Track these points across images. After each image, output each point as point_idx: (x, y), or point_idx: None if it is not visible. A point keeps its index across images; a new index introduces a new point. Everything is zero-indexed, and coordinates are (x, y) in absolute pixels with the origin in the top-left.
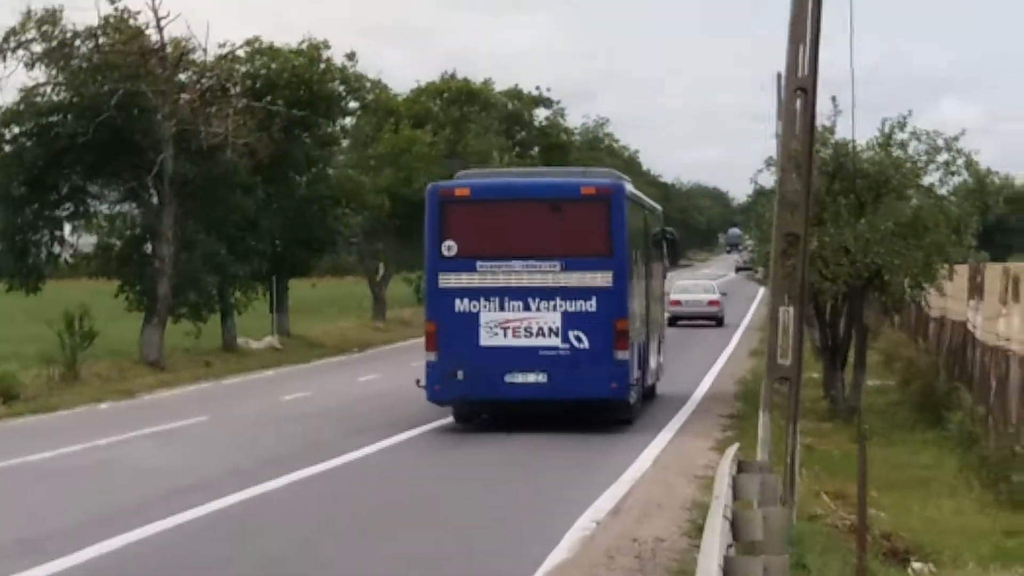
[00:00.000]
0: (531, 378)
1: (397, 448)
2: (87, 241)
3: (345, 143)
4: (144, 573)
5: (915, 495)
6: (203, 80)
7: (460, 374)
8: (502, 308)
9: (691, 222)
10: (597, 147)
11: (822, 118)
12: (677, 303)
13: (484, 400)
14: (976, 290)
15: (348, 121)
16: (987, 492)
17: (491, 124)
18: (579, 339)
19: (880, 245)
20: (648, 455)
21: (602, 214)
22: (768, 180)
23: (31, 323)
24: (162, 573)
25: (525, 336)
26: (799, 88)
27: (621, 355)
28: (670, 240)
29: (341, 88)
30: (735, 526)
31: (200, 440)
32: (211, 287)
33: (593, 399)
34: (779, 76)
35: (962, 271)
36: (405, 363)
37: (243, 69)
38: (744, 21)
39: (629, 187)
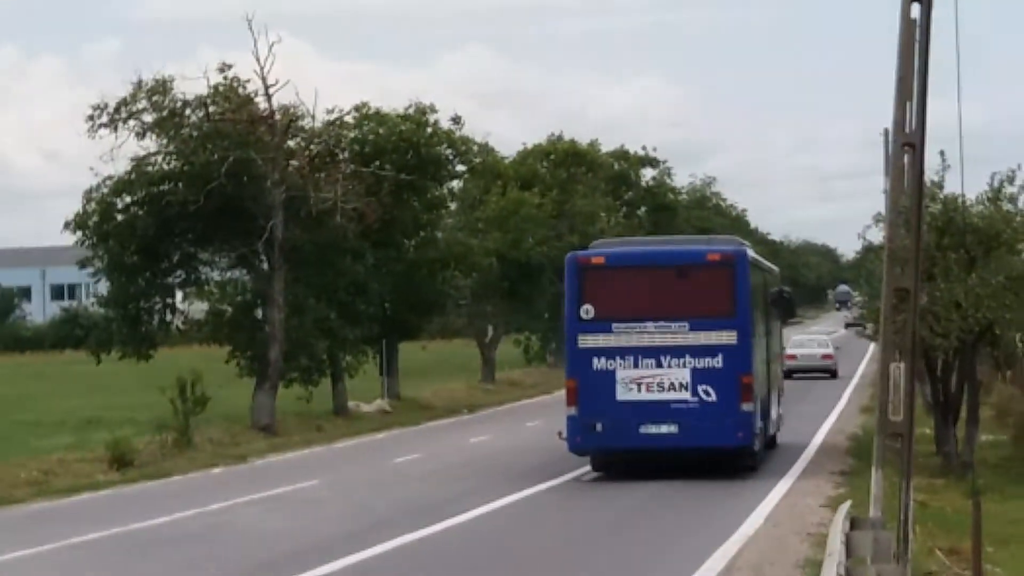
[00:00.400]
0: (664, 429)
1: (510, 507)
2: (198, 308)
3: (453, 206)
4: None
5: None
6: (312, 146)
7: (599, 426)
8: (636, 366)
9: (800, 279)
10: (704, 206)
11: (930, 173)
12: (793, 357)
13: (621, 450)
14: None
15: (456, 184)
16: None
17: (598, 185)
18: (707, 393)
19: (991, 299)
20: (761, 512)
21: (727, 278)
22: (876, 236)
23: (144, 390)
24: None
25: (658, 391)
26: (907, 144)
27: (746, 407)
28: (786, 299)
29: (448, 151)
30: None
31: (311, 504)
32: (321, 351)
33: (721, 448)
34: (887, 132)
35: None
36: (516, 423)
37: (351, 135)
38: (850, 78)
39: (750, 252)
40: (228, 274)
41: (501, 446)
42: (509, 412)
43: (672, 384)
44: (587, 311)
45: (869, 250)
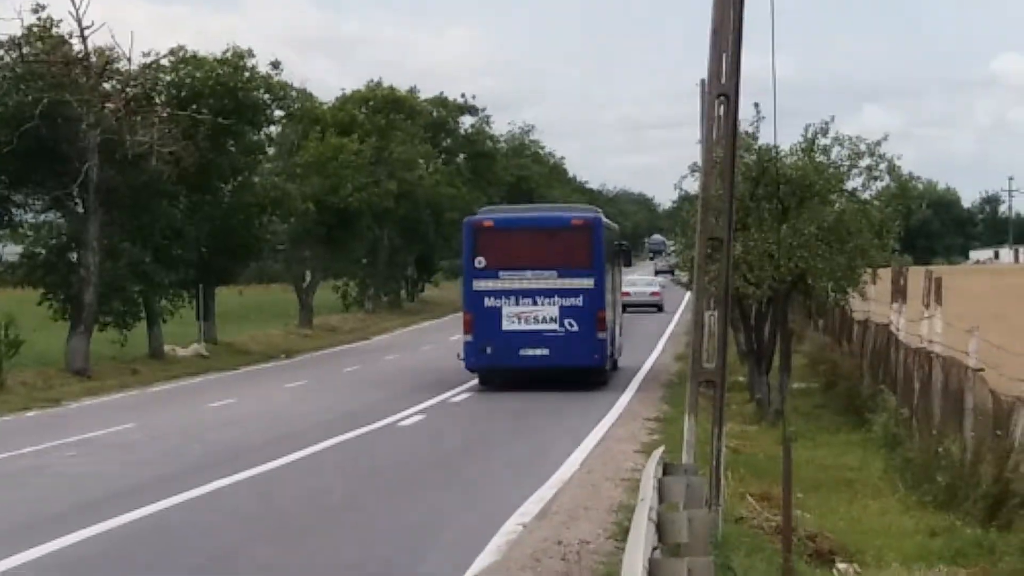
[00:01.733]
0: (539, 352)
1: (320, 455)
2: (12, 250)
3: (271, 151)
4: None
5: (840, 496)
6: (128, 89)
7: (489, 349)
8: (517, 304)
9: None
10: (523, 154)
11: (745, 124)
12: (627, 294)
13: (506, 367)
14: (899, 293)
15: (273, 129)
16: (911, 493)
17: (417, 132)
18: (571, 324)
19: (804, 249)
20: (575, 458)
21: (586, 238)
22: (692, 186)
23: None
24: None
25: (534, 323)
26: (721, 94)
27: (601, 335)
28: (625, 250)
29: (266, 96)
30: (660, 528)
31: (125, 448)
32: (137, 295)
33: (581, 367)
34: (702, 83)
35: (885, 275)
36: (333, 369)
37: (168, 78)
38: (667, 29)
39: (603, 218)
40: (42, 217)
41: (317, 391)
42: (326, 357)
43: (544, 318)
44: (480, 262)
45: (684, 199)
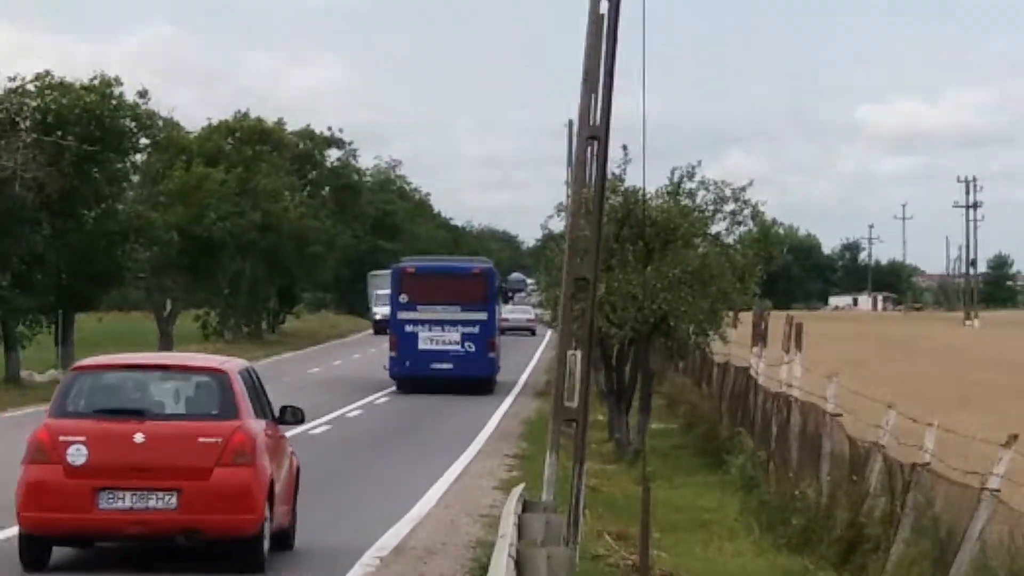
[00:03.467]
0: (445, 366)
1: None
2: None
3: (136, 179)
4: None
5: (696, 537)
6: None
7: (408, 363)
8: (431, 330)
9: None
10: (388, 188)
11: (612, 166)
12: (506, 320)
13: (420, 377)
14: (760, 337)
15: (139, 158)
16: (767, 535)
17: (283, 164)
18: (470, 346)
19: (667, 292)
20: (433, 494)
21: (482, 282)
22: (558, 225)
23: None
24: None
25: (442, 344)
26: (591, 136)
27: (491, 355)
28: (504, 289)
29: (132, 125)
30: (519, 565)
31: None
32: None
33: (477, 377)
34: (571, 124)
35: (746, 318)
36: None
37: (33, 103)
38: (537, 69)
39: (493, 267)
40: None
41: None
42: None
43: (450, 341)
44: (404, 298)
45: (550, 238)
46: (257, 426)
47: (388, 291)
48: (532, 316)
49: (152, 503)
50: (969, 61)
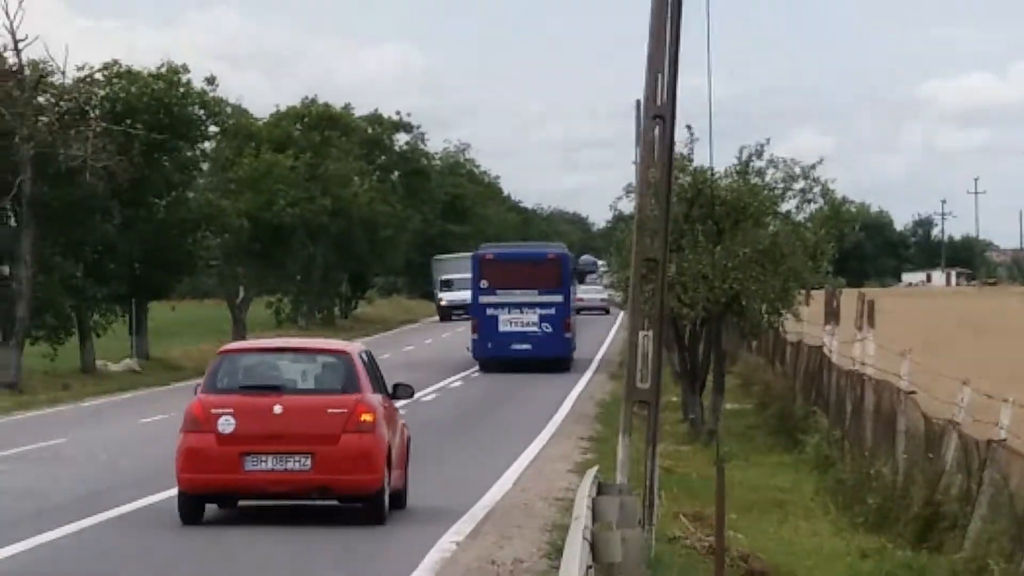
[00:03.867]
0: (525, 346)
1: None
2: None
3: (205, 167)
4: None
5: (772, 517)
6: (62, 103)
7: (490, 345)
8: (509, 312)
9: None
10: (458, 172)
11: (680, 146)
12: (581, 300)
13: (501, 358)
14: (832, 315)
15: (208, 145)
16: (843, 514)
17: (351, 149)
18: (547, 327)
19: (738, 271)
20: (509, 477)
21: (557, 266)
22: (627, 206)
23: None
24: None
25: (521, 326)
26: (657, 116)
27: (567, 335)
28: (580, 272)
29: (201, 112)
30: (594, 548)
31: (57, 462)
32: (69, 309)
33: (555, 357)
34: (638, 104)
35: (818, 297)
36: None
37: (102, 92)
38: (605, 50)
39: (567, 251)
40: None
41: None
42: None
43: (528, 323)
44: (484, 283)
45: (619, 220)
46: (375, 399)
47: (453, 276)
48: (605, 296)
49: (290, 465)
50: None
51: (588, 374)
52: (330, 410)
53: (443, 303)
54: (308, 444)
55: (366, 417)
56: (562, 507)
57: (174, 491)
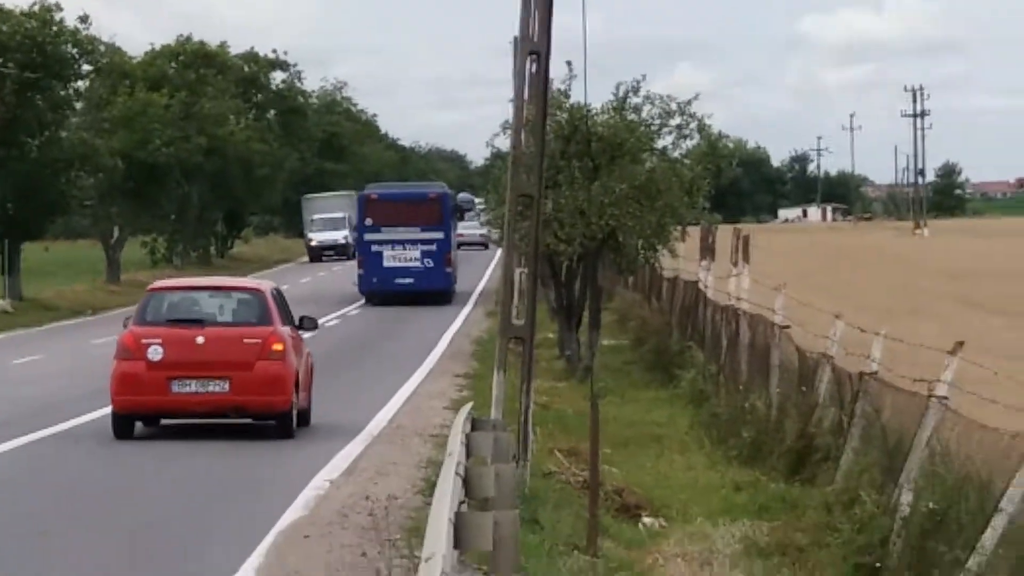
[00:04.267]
0: (408, 280)
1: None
2: None
3: (79, 106)
4: None
5: (648, 452)
6: None
7: (375, 280)
8: (393, 249)
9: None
10: (335, 111)
11: (557, 83)
12: (461, 235)
13: (386, 292)
14: (707, 251)
15: (82, 84)
16: (717, 448)
17: (227, 87)
18: (428, 262)
19: (614, 207)
20: (384, 415)
21: (438, 205)
22: (505, 144)
23: None
24: None
25: (404, 261)
26: (532, 52)
27: (448, 269)
28: (460, 208)
29: (74, 51)
30: (468, 483)
31: None
32: None
33: (436, 289)
34: (515, 42)
35: (695, 233)
36: None
37: None
38: None
39: (448, 190)
40: None
41: None
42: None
43: (411, 258)
44: (368, 221)
45: (497, 157)
46: (285, 331)
47: (323, 215)
48: (484, 232)
49: (211, 388)
50: None
51: (467, 309)
52: (246, 340)
53: (312, 243)
54: (227, 370)
55: (277, 347)
56: (437, 443)
57: (49, 431)
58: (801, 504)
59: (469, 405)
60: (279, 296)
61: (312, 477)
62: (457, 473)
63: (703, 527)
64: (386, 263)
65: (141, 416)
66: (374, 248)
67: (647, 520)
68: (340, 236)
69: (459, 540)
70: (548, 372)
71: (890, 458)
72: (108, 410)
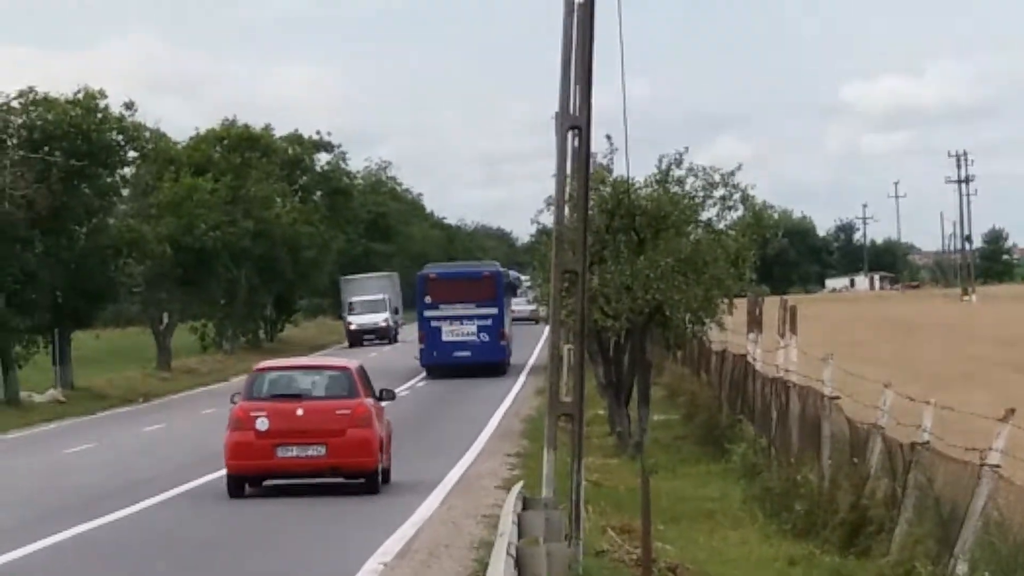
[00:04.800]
0: (465, 353)
1: (177, 501)
2: None
3: (125, 192)
4: None
5: (701, 527)
6: None
7: (435, 353)
8: (451, 324)
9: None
10: (380, 190)
11: (600, 156)
12: (514, 311)
13: (445, 364)
14: (755, 323)
15: (128, 171)
16: (770, 522)
17: (272, 170)
18: (484, 336)
19: (661, 281)
20: (436, 496)
21: (492, 282)
22: (549, 219)
23: None
24: None
25: (461, 336)
26: (574, 127)
27: (503, 343)
28: (513, 286)
29: (119, 137)
30: (520, 563)
31: None
32: None
33: (492, 362)
34: (557, 116)
35: (742, 305)
36: (191, 411)
37: (19, 120)
38: (523, 64)
39: (501, 268)
40: None
41: (176, 433)
42: (185, 400)
43: (467, 332)
44: (428, 299)
45: (542, 233)
46: (369, 402)
47: (360, 297)
48: (534, 307)
49: (310, 452)
50: (951, 34)
51: (519, 383)
52: (338, 411)
53: (352, 327)
54: (323, 436)
55: (364, 416)
56: (489, 524)
57: (102, 520)
58: None
59: (520, 484)
60: (363, 372)
61: (367, 559)
62: (509, 554)
63: None
64: (444, 337)
65: (250, 478)
66: (433, 324)
67: None
68: (380, 319)
69: None
70: (599, 449)
71: (944, 528)
72: (164, 496)
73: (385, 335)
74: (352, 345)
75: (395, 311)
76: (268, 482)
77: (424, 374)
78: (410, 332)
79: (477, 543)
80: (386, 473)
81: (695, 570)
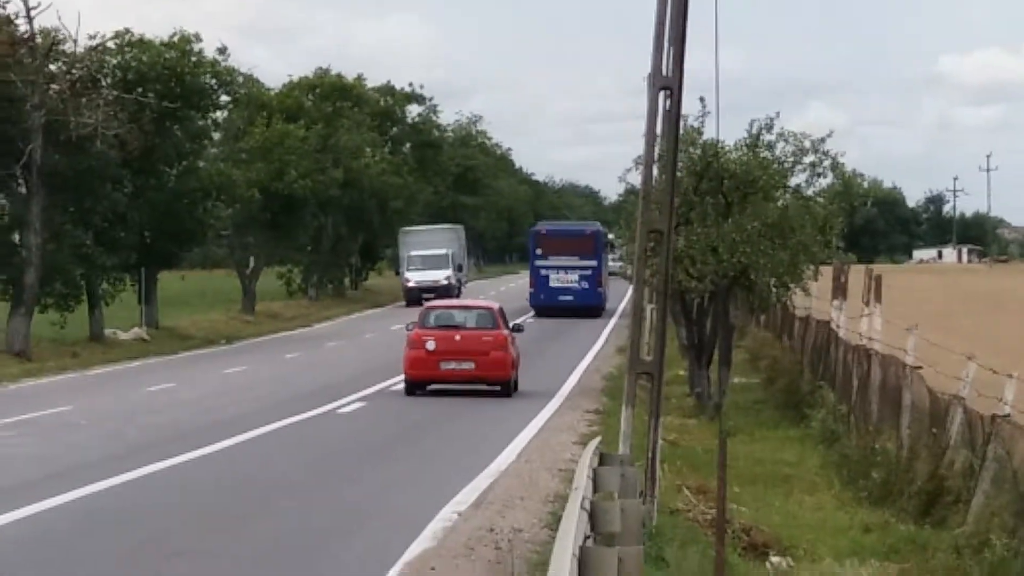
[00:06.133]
0: (568, 297)
1: (258, 440)
2: None
3: (216, 136)
4: (8, 561)
5: (776, 491)
6: (73, 71)
7: (542, 296)
8: (558, 273)
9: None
10: (469, 144)
11: (691, 119)
12: (610, 266)
13: (551, 305)
14: (840, 290)
15: (220, 115)
16: (847, 489)
17: (363, 120)
18: (584, 284)
19: (746, 245)
20: (513, 448)
21: (593, 239)
22: (637, 179)
23: None
24: (28, 559)
25: (565, 283)
26: (665, 87)
27: (601, 290)
28: (609, 243)
29: (212, 81)
30: (593, 518)
31: (64, 429)
32: (78, 278)
33: (591, 305)
34: (649, 77)
35: (827, 272)
36: (274, 355)
37: (114, 61)
38: (617, 24)
39: (601, 228)
40: None
41: (257, 377)
42: (268, 344)
43: (571, 280)
44: (539, 251)
45: (630, 193)
46: (506, 332)
47: (423, 252)
48: (621, 264)
49: (464, 366)
50: None
51: (610, 324)
52: (484, 338)
53: (410, 284)
54: (473, 355)
55: (502, 342)
56: (565, 478)
57: (180, 459)
58: (931, 547)
59: (597, 440)
60: (502, 311)
61: (441, 507)
62: (583, 508)
63: (831, 568)
64: (551, 284)
65: (420, 383)
66: (542, 272)
67: (774, 559)
68: (442, 276)
69: (583, 575)
70: (678, 409)
71: (1022, 501)
72: (236, 440)
73: (446, 295)
74: (409, 305)
75: (459, 268)
76: (431, 387)
77: (532, 313)
78: (474, 291)
79: (552, 496)
80: (516, 383)
81: (769, 533)
